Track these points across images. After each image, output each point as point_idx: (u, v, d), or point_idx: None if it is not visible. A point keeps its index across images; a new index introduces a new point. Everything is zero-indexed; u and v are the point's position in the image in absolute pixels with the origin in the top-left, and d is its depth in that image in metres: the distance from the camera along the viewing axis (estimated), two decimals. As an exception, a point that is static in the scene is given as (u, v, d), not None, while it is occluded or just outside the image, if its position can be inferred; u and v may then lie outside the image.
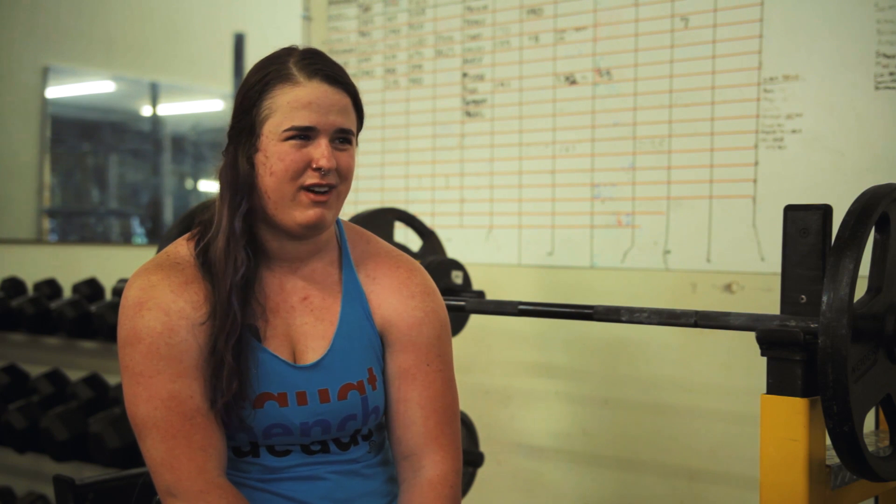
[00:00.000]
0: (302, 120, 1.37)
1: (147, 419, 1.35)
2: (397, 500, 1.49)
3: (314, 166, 1.37)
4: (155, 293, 1.38)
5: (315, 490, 1.43)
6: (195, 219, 1.48)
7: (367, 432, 1.49)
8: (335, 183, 1.40)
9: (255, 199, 1.41)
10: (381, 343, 1.49)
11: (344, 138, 1.41)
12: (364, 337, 1.47)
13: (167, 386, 1.34)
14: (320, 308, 1.46)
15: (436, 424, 1.47)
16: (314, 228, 1.41)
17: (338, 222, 1.54)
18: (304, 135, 1.37)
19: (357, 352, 1.46)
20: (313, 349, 1.44)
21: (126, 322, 1.37)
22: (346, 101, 1.41)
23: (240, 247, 1.39)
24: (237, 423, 1.38)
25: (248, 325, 1.40)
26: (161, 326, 1.36)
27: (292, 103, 1.37)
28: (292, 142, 1.37)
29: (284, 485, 1.42)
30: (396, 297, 1.49)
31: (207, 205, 1.47)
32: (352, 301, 1.48)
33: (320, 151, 1.37)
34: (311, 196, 1.38)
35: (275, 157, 1.37)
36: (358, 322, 1.47)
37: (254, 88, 1.40)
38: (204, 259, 1.41)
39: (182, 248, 1.45)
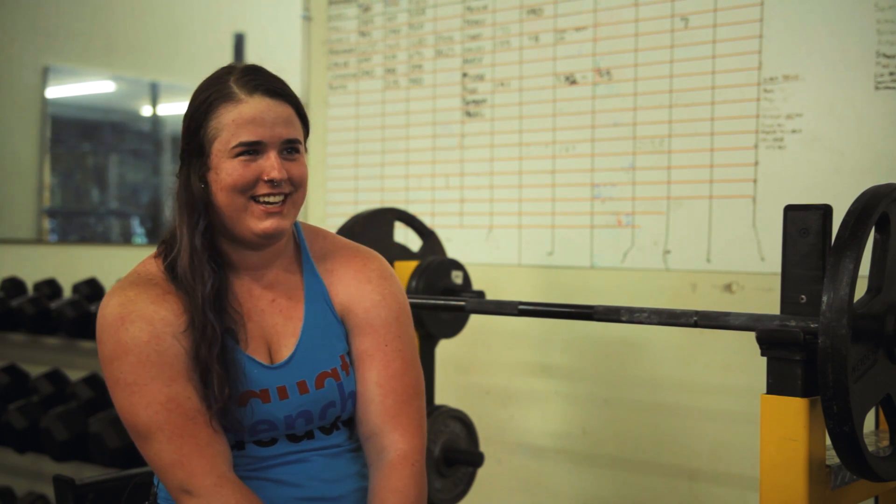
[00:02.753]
0: (248, 135, 1.41)
1: (150, 424, 1.37)
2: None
3: (265, 178, 1.42)
4: (135, 307, 1.41)
5: (304, 471, 1.47)
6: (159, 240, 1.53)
7: (348, 418, 1.53)
8: (288, 191, 1.44)
9: (213, 215, 1.45)
10: (344, 330, 1.53)
11: (292, 148, 1.45)
12: (330, 327, 1.52)
13: (163, 390, 1.37)
14: (287, 308, 1.51)
15: (394, 403, 1.50)
16: (271, 237, 1.46)
17: (296, 224, 1.58)
18: (252, 150, 1.42)
19: (326, 342, 1.50)
20: (286, 346, 1.49)
21: (109, 338, 1.40)
22: (288, 111, 1.45)
23: (203, 262, 1.43)
24: (235, 424, 1.41)
25: (228, 328, 1.44)
26: (147, 336, 1.39)
27: (237, 120, 1.41)
28: (241, 157, 1.42)
29: (273, 471, 1.46)
30: (353, 284, 1.54)
31: (168, 225, 1.52)
32: (313, 297, 1.52)
33: (270, 164, 1.42)
34: (263, 207, 1.43)
35: (224, 173, 1.42)
36: (322, 315, 1.52)
37: (199, 110, 1.44)
38: (174, 275, 1.45)
39: (151, 266, 1.49)
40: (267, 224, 1.43)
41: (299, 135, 1.47)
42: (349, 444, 1.53)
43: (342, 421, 1.52)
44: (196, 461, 1.36)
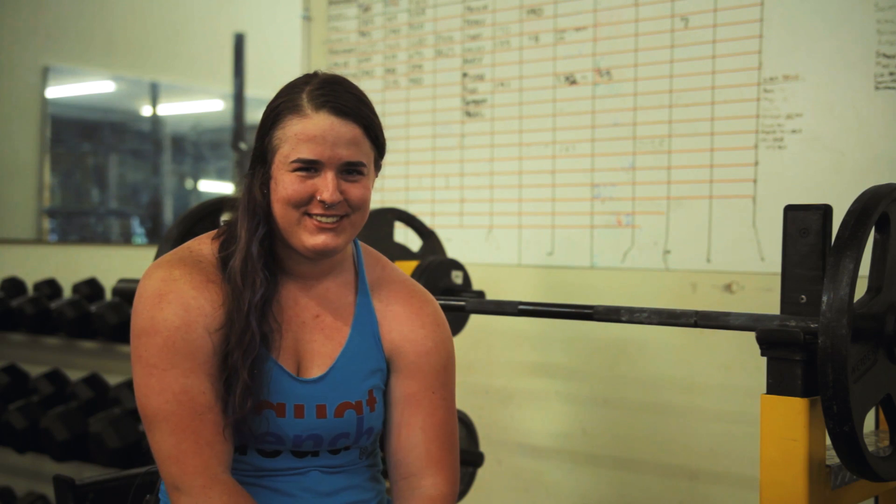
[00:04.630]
0: (307, 153, 1.38)
1: (158, 412, 1.36)
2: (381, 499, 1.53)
3: (318, 198, 1.39)
4: (176, 287, 1.39)
5: (299, 483, 1.45)
6: (221, 217, 1.51)
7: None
8: (343, 213, 1.41)
9: (272, 221, 1.44)
10: (387, 368, 1.51)
11: (353, 170, 1.42)
12: (370, 360, 1.49)
13: (180, 380, 1.35)
14: (331, 328, 1.49)
15: (437, 450, 1.50)
16: (322, 254, 1.43)
17: (356, 245, 1.56)
18: (310, 167, 1.39)
19: (360, 373, 1.48)
20: (318, 366, 1.46)
21: (144, 312, 1.38)
22: (355, 132, 1.41)
23: (258, 269, 1.41)
24: (247, 433, 1.40)
25: (263, 334, 1.42)
26: (179, 321, 1.37)
27: (299, 135, 1.39)
28: (299, 173, 1.39)
29: (268, 479, 1.45)
30: (408, 326, 1.52)
31: (234, 204, 1.48)
32: (362, 324, 1.50)
33: (325, 185, 1.39)
34: (316, 223, 1.40)
35: (281, 186, 1.40)
36: (366, 345, 1.49)
37: (269, 117, 1.43)
38: (225, 266, 1.43)
39: (206, 246, 1.46)
40: (318, 240, 1.40)
41: (364, 157, 1.42)
42: (356, 462, 1.50)
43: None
44: (191, 460, 1.35)
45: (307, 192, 1.39)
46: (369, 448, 1.53)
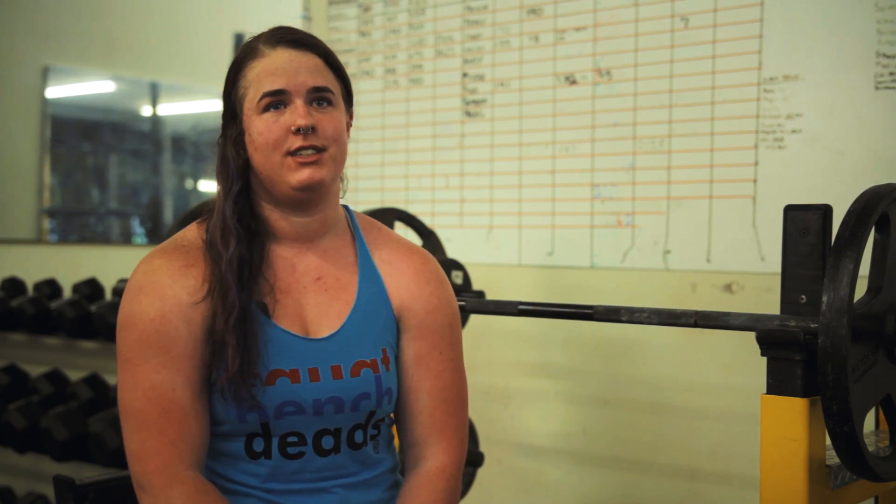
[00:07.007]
0: (271, 84, 1.38)
1: (128, 408, 1.35)
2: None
3: (293, 129, 1.38)
4: (154, 278, 1.38)
5: (321, 503, 1.42)
6: (206, 207, 1.51)
7: (380, 418, 1.47)
8: (321, 146, 1.40)
9: (254, 180, 1.43)
10: (396, 327, 1.49)
11: (322, 98, 1.41)
12: (380, 317, 1.47)
13: (151, 376, 1.34)
14: (335, 288, 1.46)
15: (442, 415, 1.49)
16: (308, 189, 1.40)
17: (348, 210, 1.55)
18: (278, 101, 1.39)
19: (372, 331, 1.45)
20: (327, 326, 1.43)
21: (125, 306, 1.38)
22: (315, 61, 1.42)
23: (230, 226, 1.40)
24: (249, 401, 1.36)
25: (257, 301, 1.40)
26: (154, 312, 1.35)
27: (261, 74, 1.39)
28: (270, 112, 1.39)
29: (292, 498, 1.41)
30: (414, 283, 1.50)
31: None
32: (369, 281, 1.48)
33: (297, 113, 1.38)
34: (298, 159, 1.38)
35: (256, 133, 1.39)
36: (375, 302, 1.47)
37: (230, 74, 1.44)
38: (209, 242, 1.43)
39: (191, 231, 1.45)
40: (303, 174, 1.38)
41: (329, 83, 1.42)
42: (373, 468, 1.47)
43: (373, 426, 1.46)
44: (152, 459, 1.33)
45: (281, 129, 1.38)
46: (386, 438, 1.50)
